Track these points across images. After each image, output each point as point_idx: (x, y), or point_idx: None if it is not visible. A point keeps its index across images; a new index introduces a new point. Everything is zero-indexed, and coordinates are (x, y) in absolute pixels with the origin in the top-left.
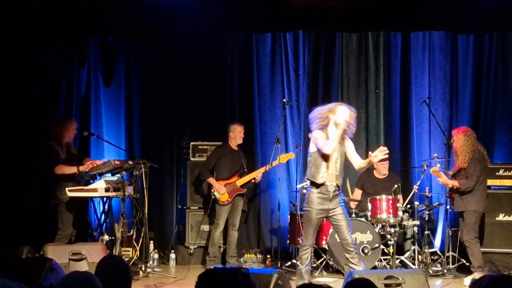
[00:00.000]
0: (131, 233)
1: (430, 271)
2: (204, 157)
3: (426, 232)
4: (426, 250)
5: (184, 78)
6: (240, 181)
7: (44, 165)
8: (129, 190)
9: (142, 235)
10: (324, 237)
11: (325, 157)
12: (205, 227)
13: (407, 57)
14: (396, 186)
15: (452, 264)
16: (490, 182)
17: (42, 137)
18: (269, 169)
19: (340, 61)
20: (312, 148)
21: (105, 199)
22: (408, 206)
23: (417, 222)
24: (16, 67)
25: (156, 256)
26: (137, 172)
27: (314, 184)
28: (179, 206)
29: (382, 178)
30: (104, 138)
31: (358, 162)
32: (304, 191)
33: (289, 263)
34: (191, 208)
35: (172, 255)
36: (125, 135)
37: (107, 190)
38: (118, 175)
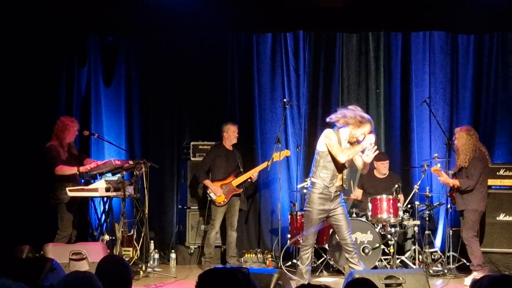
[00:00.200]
0: (132, 233)
1: (431, 271)
2: None
3: (426, 232)
4: (426, 250)
5: (184, 78)
6: (236, 181)
7: (45, 165)
8: (130, 190)
9: (142, 235)
10: (325, 237)
11: (337, 162)
12: (206, 227)
13: (407, 57)
14: (396, 186)
15: (453, 264)
16: (490, 182)
17: (43, 137)
18: (266, 168)
19: (341, 61)
20: (321, 147)
21: (105, 199)
22: (409, 206)
23: (418, 222)
24: (16, 67)
25: (156, 256)
26: (138, 172)
27: (319, 185)
28: (180, 206)
29: (382, 178)
30: (105, 138)
31: (360, 163)
32: (305, 191)
33: (290, 263)
34: (191, 208)
35: (173, 255)
36: (126, 135)
37: (107, 190)
38: (119, 175)
